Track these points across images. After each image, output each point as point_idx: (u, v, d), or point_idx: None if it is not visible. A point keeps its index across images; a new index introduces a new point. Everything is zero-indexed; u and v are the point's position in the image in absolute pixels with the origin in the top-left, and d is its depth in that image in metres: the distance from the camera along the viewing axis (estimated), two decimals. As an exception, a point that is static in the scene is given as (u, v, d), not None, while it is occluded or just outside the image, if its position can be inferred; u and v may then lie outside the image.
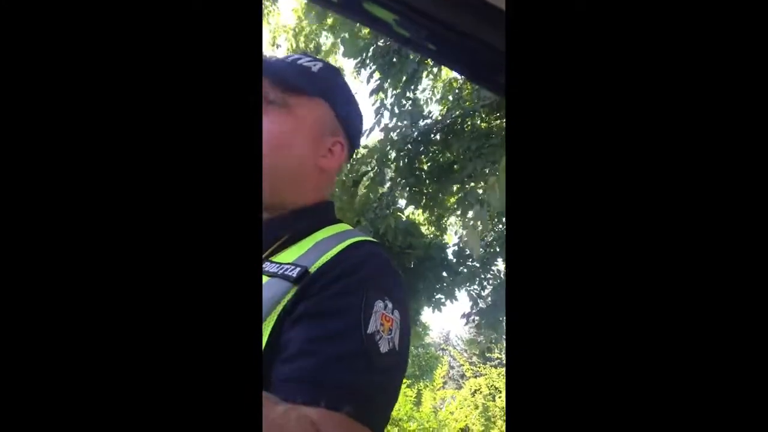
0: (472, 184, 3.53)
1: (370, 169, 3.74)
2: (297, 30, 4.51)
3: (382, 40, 3.43)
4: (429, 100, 3.99)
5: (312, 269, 0.50)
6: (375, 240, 0.58)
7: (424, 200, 3.79)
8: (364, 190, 3.60)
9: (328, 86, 0.63)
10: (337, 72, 0.66)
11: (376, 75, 3.61)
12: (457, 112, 3.61)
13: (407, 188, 3.70)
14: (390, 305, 0.50)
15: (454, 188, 3.79)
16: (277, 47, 4.88)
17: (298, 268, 0.50)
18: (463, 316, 5.00)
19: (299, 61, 0.62)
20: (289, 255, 0.53)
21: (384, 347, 0.47)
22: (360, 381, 0.45)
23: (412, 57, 3.36)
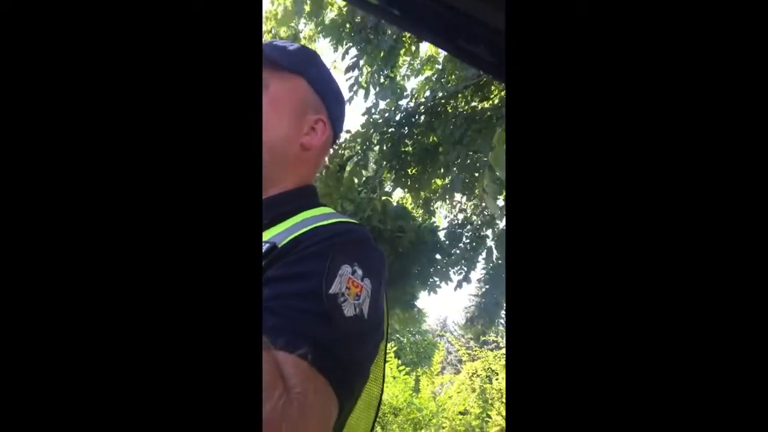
0: (455, 170, 3.53)
1: (354, 153, 3.73)
2: (270, 14, 4.44)
3: (358, 17, 3.39)
4: (406, 77, 3.95)
5: (281, 244, 0.50)
6: (357, 222, 0.57)
7: (409, 182, 3.79)
8: (348, 174, 3.58)
9: (305, 62, 0.62)
10: (313, 52, 0.65)
11: (352, 52, 3.56)
12: (440, 94, 3.60)
13: (392, 171, 3.69)
14: (359, 272, 0.49)
15: (441, 171, 3.79)
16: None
17: (267, 245, 0.50)
18: (472, 318, 5.00)
19: (274, 42, 0.63)
20: (266, 235, 0.53)
21: (349, 311, 0.47)
22: (320, 334, 0.45)
23: (389, 33, 3.33)
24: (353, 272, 0.49)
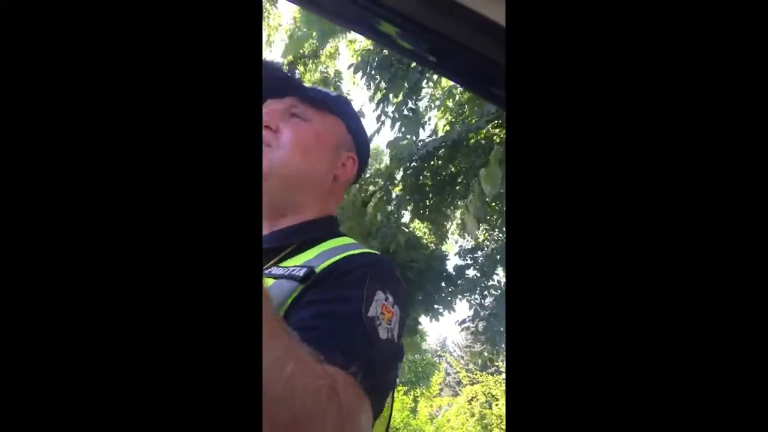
0: (472, 197, 3.48)
1: (377, 188, 3.71)
2: (294, 33, 4.42)
3: (384, 50, 3.38)
4: (428, 108, 3.93)
5: (318, 269, 0.53)
6: (380, 253, 0.61)
7: (428, 213, 3.75)
8: (372, 210, 3.55)
9: (343, 107, 0.71)
10: (349, 102, 0.75)
11: (382, 84, 3.56)
12: (459, 127, 3.54)
13: (412, 203, 3.65)
14: (391, 299, 0.52)
15: (459, 203, 3.74)
16: (271, 44, 4.83)
17: (305, 269, 0.52)
18: (458, 323, 4.97)
19: (317, 87, 0.71)
20: (297, 261, 0.57)
21: (383, 334, 0.49)
22: (363, 353, 0.46)
23: (413, 66, 3.30)
24: (386, 299, 0.51)
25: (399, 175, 3.65)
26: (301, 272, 0.52)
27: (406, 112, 3.54)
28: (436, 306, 4.45)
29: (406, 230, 3.93)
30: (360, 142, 0.71)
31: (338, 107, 0.69)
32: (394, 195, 3.70)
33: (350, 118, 0.70)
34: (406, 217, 4.07)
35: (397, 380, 0.56)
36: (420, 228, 4.64)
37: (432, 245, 4.54)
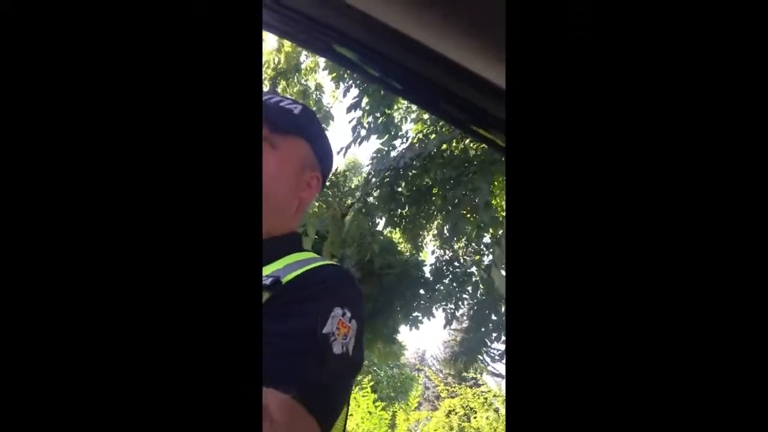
0: (450, 209, 3.57)
1: (355, 200, 3.79)
2: (278, 48, 4.55)
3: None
4: (403, 119, 4.02)
5: (284, 280, 0.55)
6: (338, 264, 0.65)
7: (403, 223, 3.83)
8: (350, 222, 3.62)
9: (307, 126, 0.70)
10: (313, 114, 0.74)
11: (353, 91, 3.65)
12: (434, 137, 3.66)
13: (388, 212, 3.73)
14: (348, 314, 0.54)
15: (434, 212, 3.82)
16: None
17: (271, 278, 0.54)
18: (453, 354, 5.00)
19: (281, 103, 0.69)
20: (265, 271, 0.58)
21: (337, 349, 0.52)
22: (309, 373, 0.49)
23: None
24: (343, 314, 0.54)
25: (375, 186, 3.72)
26: (268, 281, 0.54)
27: (379, 117, 3.61)
28: (415, 314, 4.51)
29: (381, 238, 3.99)
30: (323, 158, 0.71)
31: (303, 127, 0.69)
32: (370, 203, 3.76)
33: (314, 137, 0.70)
34: (383, 227, 4.13)
35: (352, 390, 0.59)
36: (394, 235, 4.71)
37: (408, 254, 4.62)
